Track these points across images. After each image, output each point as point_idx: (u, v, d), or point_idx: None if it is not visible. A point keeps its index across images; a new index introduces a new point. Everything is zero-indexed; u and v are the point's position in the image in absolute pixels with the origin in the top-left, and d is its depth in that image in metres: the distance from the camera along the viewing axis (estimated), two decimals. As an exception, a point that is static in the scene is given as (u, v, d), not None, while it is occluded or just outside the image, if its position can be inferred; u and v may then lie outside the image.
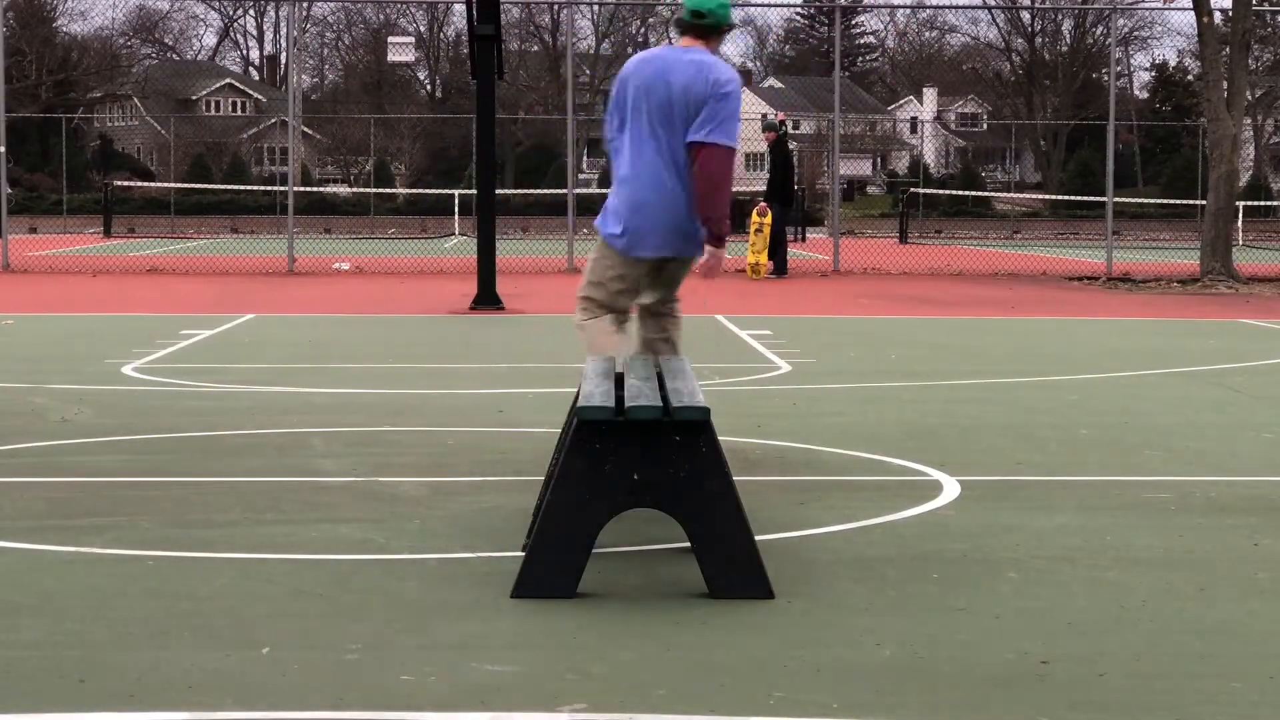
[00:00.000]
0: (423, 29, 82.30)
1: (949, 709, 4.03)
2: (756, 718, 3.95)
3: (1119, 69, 77.75)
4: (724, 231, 7.22)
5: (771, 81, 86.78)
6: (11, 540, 5.87)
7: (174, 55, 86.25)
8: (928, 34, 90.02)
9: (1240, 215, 37.94)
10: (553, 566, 5.04)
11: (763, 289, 21.89)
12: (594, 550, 5.09)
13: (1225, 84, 23.13)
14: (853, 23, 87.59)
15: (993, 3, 70.91)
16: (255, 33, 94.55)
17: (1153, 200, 57.48)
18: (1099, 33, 76.64)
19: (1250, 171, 64.09)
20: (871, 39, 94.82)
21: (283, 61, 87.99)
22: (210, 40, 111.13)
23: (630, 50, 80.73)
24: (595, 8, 70.93)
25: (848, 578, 5.38)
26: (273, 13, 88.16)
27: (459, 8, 53.77)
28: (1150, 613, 4.98)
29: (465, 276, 20.54)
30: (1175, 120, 70.81)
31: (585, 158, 75.21)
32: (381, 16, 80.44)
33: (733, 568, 5.05)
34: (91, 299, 19.29)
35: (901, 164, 78.81)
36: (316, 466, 7.55)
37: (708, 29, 7.31)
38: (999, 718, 3.98)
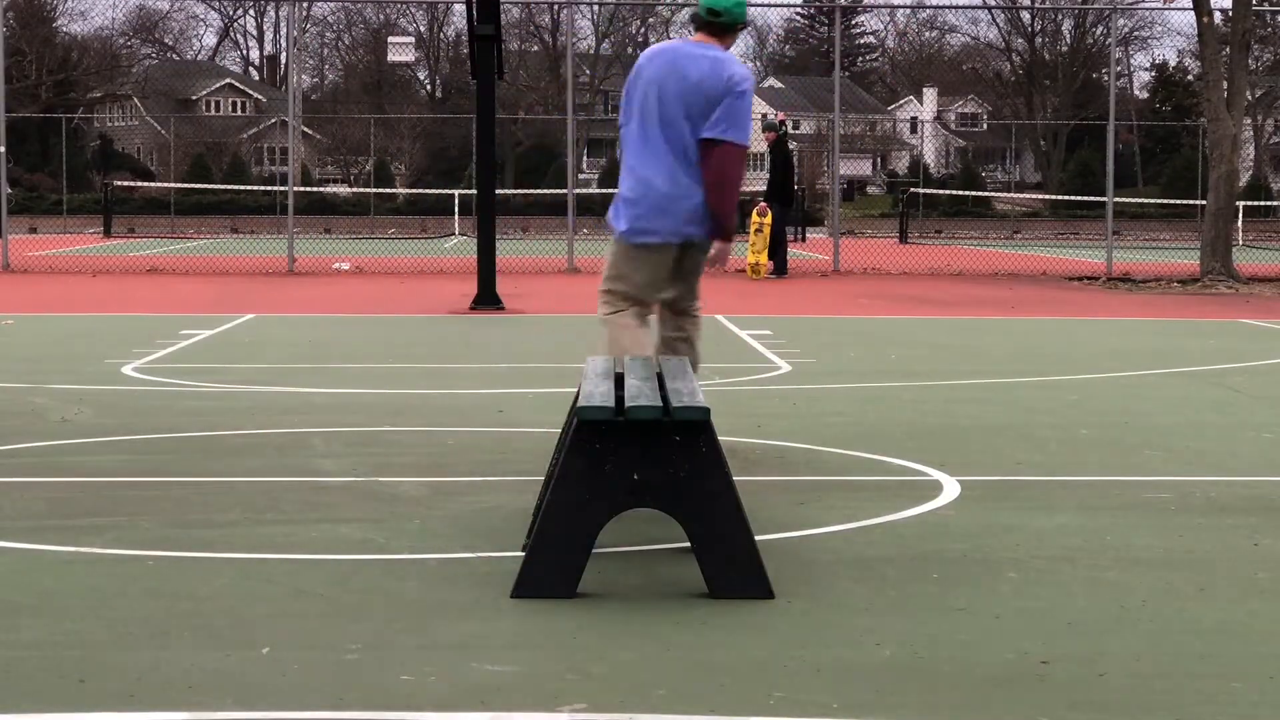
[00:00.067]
0: (423, 29, 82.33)
1: (949, 709, 4.03)
2: (756, 718, 3.95)
3: (1119, 69, 77.76)
4: (733, 226, 7.42)
5: (771, 81, 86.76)
6: (11, 540, 5.87)
7: (174, 55, 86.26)
8: (928, 34, 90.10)
9: (1240, 215, 37.94)
10: (553, 566, 5.04)
11: (763, 289, 21.89)
12: (594, 550, 5.09)
13: (1225, 84, 23.13)
14: (853, 23, 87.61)
15: (993, 3, 70.90)
16: (255, 33, 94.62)
17: (1153, 200, 57.49)
18: (1099, 33, 76.65)
19: (1250, 171, 64.09)
20: (871, 39, 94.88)
21: (283, 61, 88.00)
22: (210, 40, 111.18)
23: (630, 50, 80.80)
24: (595, 8, 70.93)
25: (848, 578, 5.38)
26: (273, 13, 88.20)
27: (459, 8, 53.79)
28: (1150, 613, 4.97)
29: (465, 276, 20.54)
30: (1175, 120, 70.82)
31: (585, 158, 75.23)
32: (381, 16, 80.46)
33: (733, 568, 5.05)
34: (91, 299, 19.29)
35: (901, 164, 78.83)
36: (316, 466, 7.55)
37: (723, 27, 7.46)
38: (999, 718, 3.98)
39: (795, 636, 4.67)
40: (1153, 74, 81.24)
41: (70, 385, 10.58)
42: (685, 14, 77.27)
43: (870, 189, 76.53)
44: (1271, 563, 5.65)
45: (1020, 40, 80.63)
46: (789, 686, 4.18)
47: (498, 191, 21.55)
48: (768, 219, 24.05)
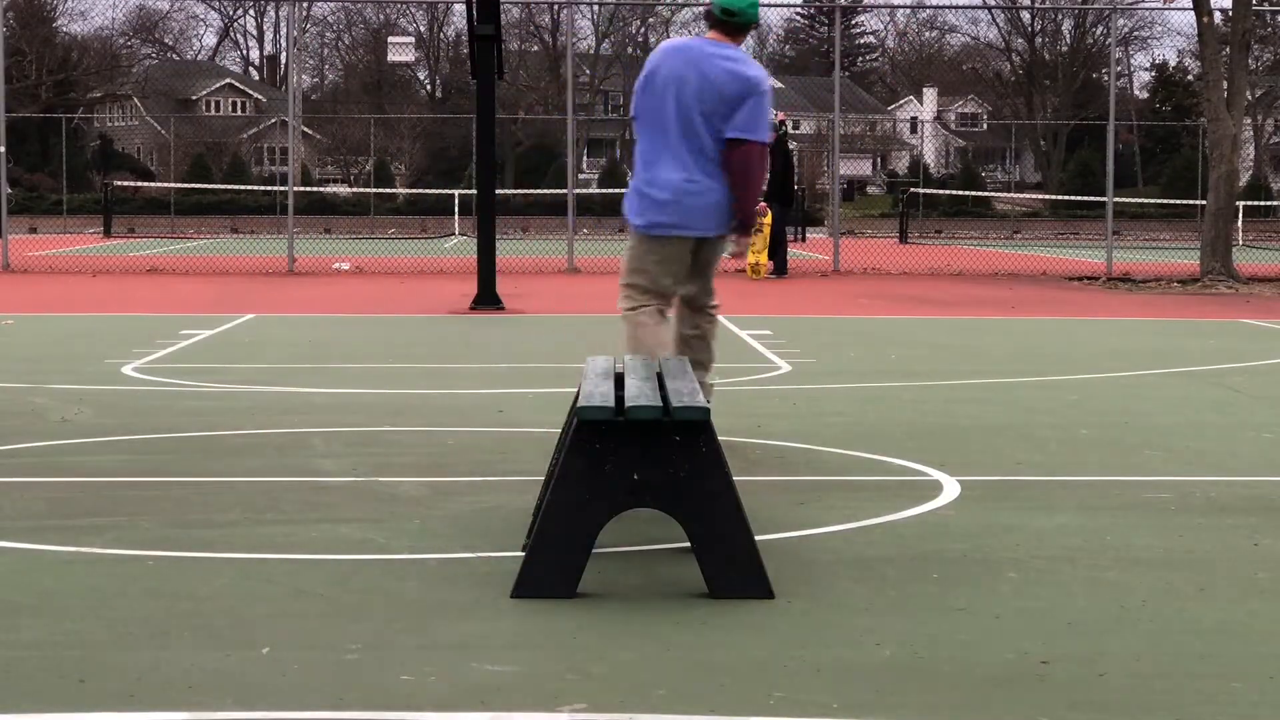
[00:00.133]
0: (423, 29, 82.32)
1: (949, 709, 4.03)
2: (756, 718, 3.95)
3: (1119, 69, 77.76)
4: (754, 222, 7.78)
5: (771, 81, 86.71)
6: (11, 540, 5.86)
7: (174, 55, 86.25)
8: (928, 34, 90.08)
9: (1240, 215, 37.94)
10: (553, 566, 5.04)
11: (763, 289, 21.89)
12: (594, 550, 5.09)
13: (1225, 84, 23.13)
14: (853, 23, 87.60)
15: (993, 3, 70.92)
16: (255, 33, 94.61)
17: (1153, 200, 57.49)
18: (1099, 33, 76.65)
19: (1250, 171, 64.08)
20: (871, 39, 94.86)
21: (283, 61, 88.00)
22: (210, 40, 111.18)
23: (630, 50, 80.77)
24: (595, 8, 70.92)
25: (848, 578, 5.38)
26: (273, 13, 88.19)
27: (459, 8, 53.79)
28: (1150, 613, 4.97)
29: (465, 276, 20.54)
30: (1175, 120, 70.81)
31: (585, 158, 75.22)
32: (381, 16, 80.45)
33: (733, 568, 5.05)
34: (91, 299, 19.29)
35: (901, 164, 78.81)
36: (316, 466, 7.55)
37: (737, 26, 7.77)
38: (999, 718, 3.98)
39: (795, 636, 4.67)
40: (1153, 74, 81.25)
41: (70, 385, 10.58)
42: (686, 14, 77.34)
43: (870, 189, 76.52)
44: (1271, 563, 5.65)
45: (1020, 40, 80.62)
46: (789, 686, 4.18)
47: (498, 191, 21.55)
48: (768, 219, 24.04)
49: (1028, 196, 67.58)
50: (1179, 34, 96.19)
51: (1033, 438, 8.54)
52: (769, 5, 55.13)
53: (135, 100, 78.19)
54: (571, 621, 4.79)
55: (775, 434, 8.56)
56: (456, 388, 10.61)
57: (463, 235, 41.02)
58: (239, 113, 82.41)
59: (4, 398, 9.98)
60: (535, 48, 77.99)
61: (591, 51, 78.43)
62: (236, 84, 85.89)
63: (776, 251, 24.27)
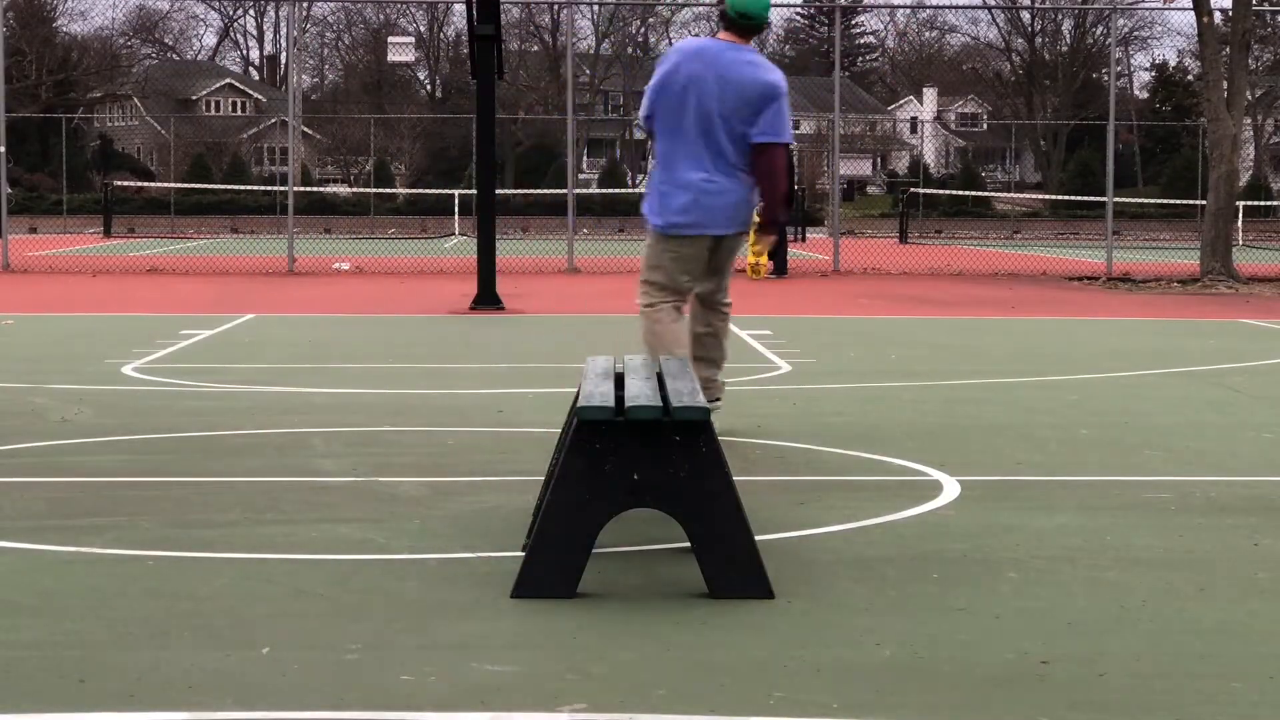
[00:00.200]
0: (423, 29, 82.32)
1: (949, 709, 4.03)
2: (756, 718, 3.95)
3: (1119, 69, 77.75)
4: (780, 219, 8.24)
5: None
6: (11, 540, 5.86)
7: (174, 55, 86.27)
8: (928, 34, 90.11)
9: (1240, 215, 37.94)
10: (553, 566, 5.04)
11: (763, 289, 21.89)
12: (594, 550, 5.09)
13: (1225, 84, 23.13)
14: (853, 23, 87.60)
15: (993, 3, 70.93)
16: (255, 33, 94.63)
17: (1153, 200, 57.49)
18: (1099, 33, 76.65)
19: (1250, 171, 64.09)
20: (871, 39, 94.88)
21: (283, 61, 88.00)
22: (210, 40, 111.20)
23: (630, 50, 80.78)
24: (595, 8, 70.91)
25: (848, 578, 5.38)
26: (273, 13, 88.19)
27: (459, 8, 53.78)
28: (1150, 613, 4.97)
29: (465, 276, 20.54)
30: (1175, 120, 70.82)
31: (585, 158, 75.22)
32: (381, 16, 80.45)
33: (733, 568, 5.05)
34: (91, 299, 19.29)
35: (901, 164, 78.81)
36: (316, 466, 7.55)
37: (752, 28, 8.05)
38: (999, 718, 3.98)
39: (795, 636, 4.67)
40: (1153, 74, 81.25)
41: (70, 385, 10.58)
42: (686, 14, 77.31)
43: (870, 189, 76.52)
44: (1271, 563, 5.65)
45: (1020, 40, 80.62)
46: (789, 686, 4.18)
47: (498, 191, 21.55)
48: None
49: (1028, 196, 67.59)
50: (1179, 34, 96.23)
51: (1033, 438, 8.54)
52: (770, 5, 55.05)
53: (135, 100, 78.20)
54: (571, 621, 4.79)
55: (775, 434, 8.56)
56: (456, 388, 10.61)
57: (463, 235, 41.02)
58: (239, 113, 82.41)
59: (4, 398, 9.98)
60: (535, 48, 78.00)
61: (591, 51, 78.44)
62: (236, 84, 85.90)
63: (776, 251, 24.27)
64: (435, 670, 4.29)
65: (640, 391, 5.31)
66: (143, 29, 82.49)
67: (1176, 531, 6.16)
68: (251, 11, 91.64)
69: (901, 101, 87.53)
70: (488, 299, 17.86)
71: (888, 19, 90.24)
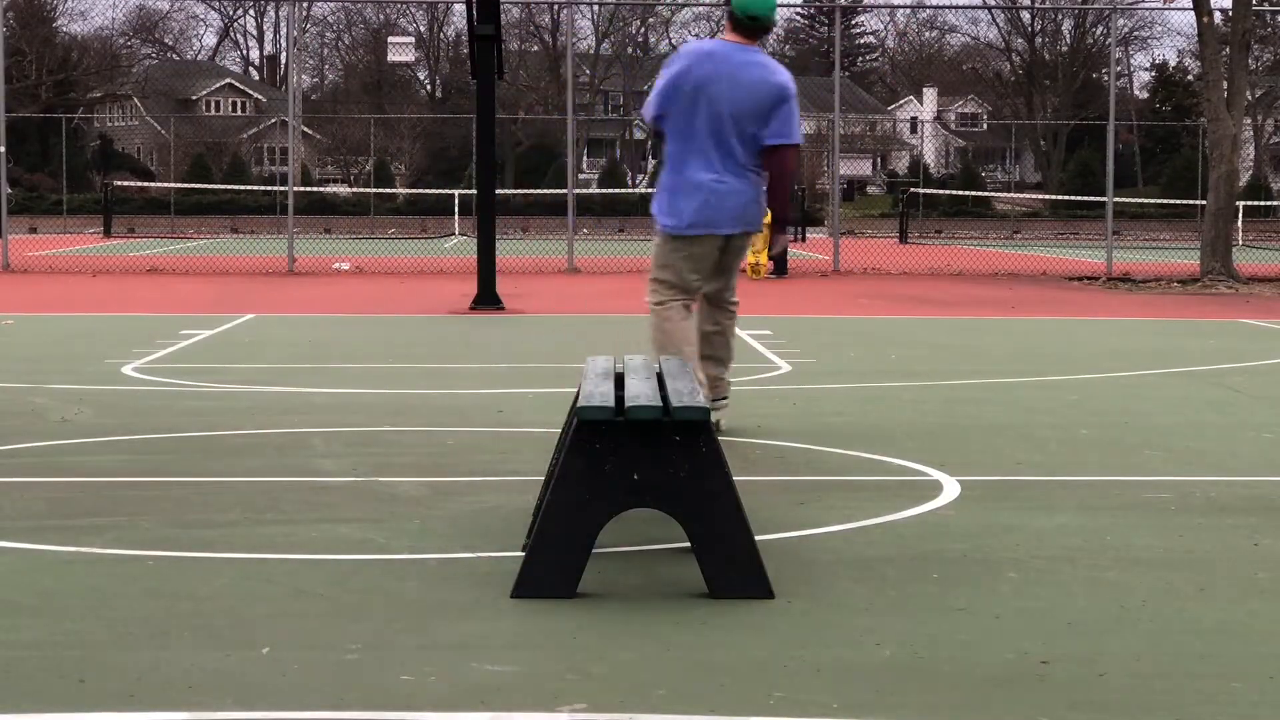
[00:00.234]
0: (423, 29, 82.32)
1: (949, 709, 4.03)
2: (756, 718, 3.95)
3: (1119, 69, 77.75)
4: (792, 220, 8.07)
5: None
6: (11, 540, 5.86)
7: (174, 55, 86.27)
8: (928, 34, 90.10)
9: (1240, 215, 37.94)
10: (553, 566, 5.04)
11: (763, 289, 21.89)
12: (594, 550, 5.09)
13: (1225, 84, 23.13)
14: (853, 23, 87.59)
15: (993, 3, 70.93)
16: (255, 33, 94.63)
17: (1153, 200, 57.50)
18: (1099, 33, 76.65)
19: (1250, 171, 64.09)
20: (871, 39, 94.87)
21: (283, 61, 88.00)
22: (210, 40, 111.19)
23: (630, 50, 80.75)
24: (595, 8, 70.91)
25: (848, 578, 5.38)
26: (273, 13, 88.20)
27: (459, 8, 53.77)
28: (1150, 613, 4.97)
29: (465, 276, 20.54)
30: (1175, 120, 70.82)
31: (585, 158, 75.23)
32: (381, 16, 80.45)
33: (733, 568, 5.05)
34: (91, 299, 19.30)
35: (901, 164, 78.81)
36: (316, 466, 7.55)
37: (758, 30, 8.24)
38: (999, 718, 3.98)
39: (795, 636, 4.67)
40: (1153, 74, 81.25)
41: (70, 385, 10.58)
42: (686, 14, 77.28)
43: (870, 189, 76.52)
44: (1271, 563, 5.65)
45: (1020, 40, 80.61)
46: (789, 686, 4.18)
47: (498, 191, 21.56)
48: (768, 218, 24.05)
49: (1028, 196, 67.59)
50: (1179, 34, 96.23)
51: (1033, 438, 8.54)
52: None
53: (135, 100, 78.20)
54: (571, 621, 4.79)
55: (775, 434, 8.56)
56: (456, 388, 10.61)
57: (463, 235, 41.02)
58: (239, 113, 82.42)
59: (4, 398, 9.98)
60: (535, 48, 78.00)
61: (591, 51, 78.43)
62: (236, 84, 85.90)
63: (776, 251, 24.26)
64: (435, 670, 4.29)
65: (640, 391, 5.30)
66: (143, 29, 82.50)
67: (1176, 531, 6.15)
68: (251, 11, 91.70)
69: (901, 101, 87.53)
70: (488, 299, 17.86)
71: (888, 19, 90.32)
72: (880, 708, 4.03)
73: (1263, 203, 54.37)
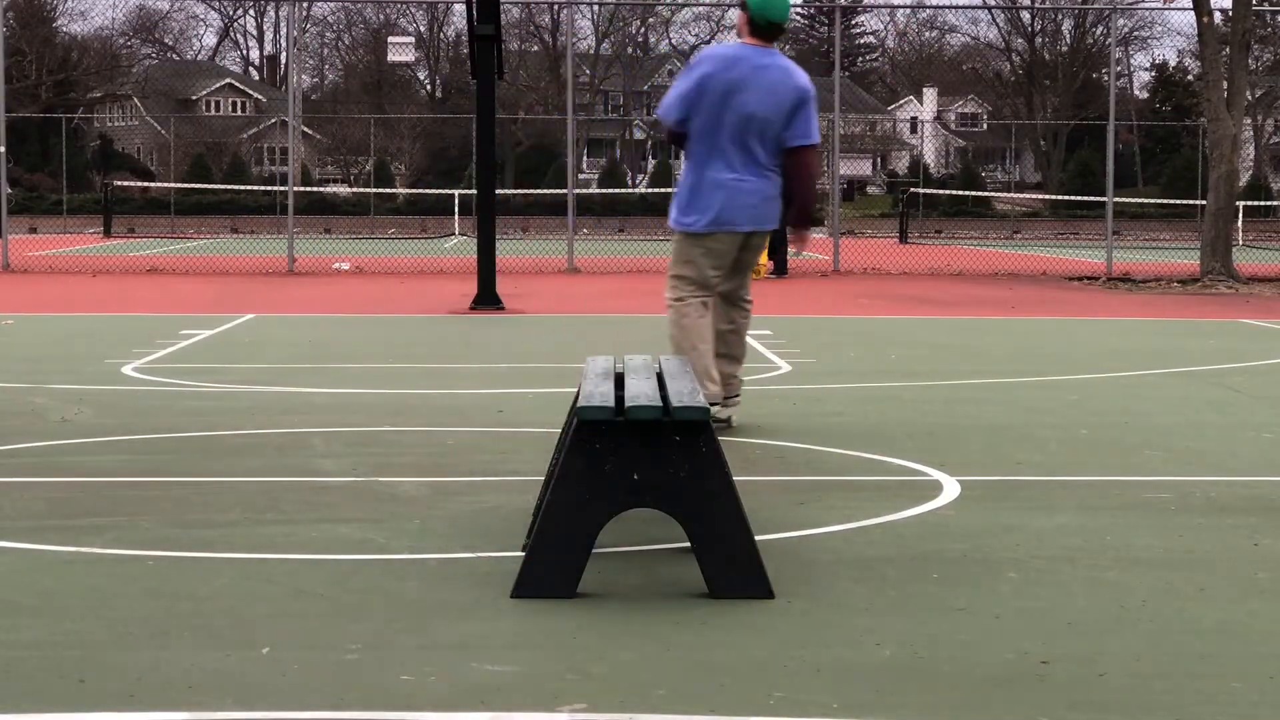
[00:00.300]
0: (423, 29, 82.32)
1: (949, 709, 4.03)
2: (756, 718, 3.95)
3: (1119, 69, 77.75)
4: (811, 215, 8.62)
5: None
6: (11, 540, 5.86)
7: (174, 55, 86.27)
8: (928, 34, 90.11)
9: (1240, 215, 37.94)
10: (553, 566, 5.04)
11: (763, 289, 21.82)
12: (594, 550, 5.09)
13: (1225, 84, 23.13)
14: (853, 23, 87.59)
15: (993, 3, 70.92)
16: (255, 33, 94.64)
17: (1153, 200, 57.50)
18: (1099, 33, 76.65)
19: (1250, 171, 64.09)
20: (871, 39, 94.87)
21: (283, 61, 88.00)
22: (210, 40, 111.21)
23: (630, 50, 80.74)
24: (595, 8, 70.92)
25: (848, 578, 5.38)
26: (273, 13, 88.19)
27: (459, 8, 53.78)
28: (1150, 613, 4.97)
29: (465, 276, 20.54)
30: (1175, 120, 70.83)
31: (585, 158, 75.22)
32: (381, 16, 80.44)
33: (733, 568, 5.05)
34: (91, 299, 19.30)
35: (901, 164, 78.80)
36: (316, 466, 7.55)
37: (775, 33, 8.51)
38: (999, 718, 3.98)
39: (795, 636, 4.67)
40: (1153, 74, 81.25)
41: (70, 385, 10.58)
42: (686, 14, 77.25)
43: (870, 189, 76.52)
44: (1271, 563, 5.65)
45: (1020, 40, 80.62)
46: (789, 686, 4.18)
47: (498, 191, 21.55)
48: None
49: (1028, 196, 67.59)
50: (1179, 34, 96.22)
51: (1033, 438, 8.54)
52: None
53: (135, 100, 78.21)
54: (571, 621, 4.79)
55: (775, 434, 8.56)
56: (456, 388, 10.61)
57: (463, 235, 41.02)
58: (239, 113, 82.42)
59: (4, 398, 9.98)
60: (535, 48, 78.01)
61: (591, 51, 78.44)
62: (236, 84, 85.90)
63: (777, 251, 24.27)
64: (435, 670, 4.29)
65: (640, 391, 5.31)
66: (143, 29, 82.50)
67: (1176, 531, 6.15)
68: (251, 11, 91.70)
69: (901, 101, 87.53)
70: (488, 299, 17.86)
71: (888, 19, 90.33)
72: (880, 708, 4.03)
73: (1263, 203, 54.37)
